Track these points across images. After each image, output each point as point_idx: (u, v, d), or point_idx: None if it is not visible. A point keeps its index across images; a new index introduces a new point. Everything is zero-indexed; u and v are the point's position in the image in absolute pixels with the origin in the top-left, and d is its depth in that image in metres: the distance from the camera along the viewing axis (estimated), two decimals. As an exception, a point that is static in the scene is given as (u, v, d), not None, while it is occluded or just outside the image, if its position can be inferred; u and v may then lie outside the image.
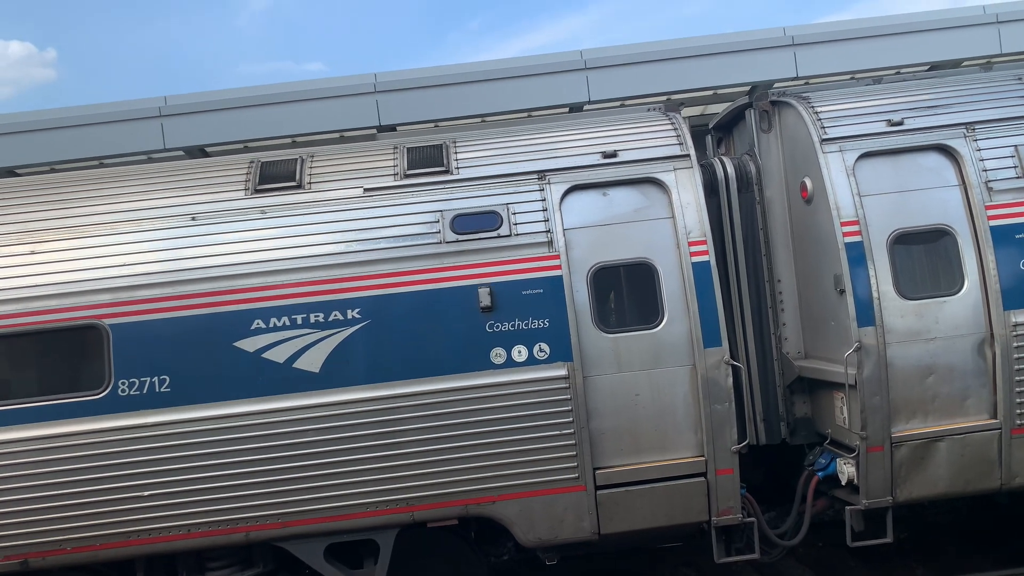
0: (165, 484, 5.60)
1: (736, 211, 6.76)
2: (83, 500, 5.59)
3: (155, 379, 5.67)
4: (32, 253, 5.87)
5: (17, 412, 5.65)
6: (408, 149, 6.46)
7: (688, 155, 6.20)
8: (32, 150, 10.30)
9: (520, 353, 5.85)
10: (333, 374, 5.75)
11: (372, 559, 5.96)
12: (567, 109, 9.66)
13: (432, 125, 9.66)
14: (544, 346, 5.83)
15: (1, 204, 6.24)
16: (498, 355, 5.84)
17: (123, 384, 5.66)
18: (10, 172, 9.85)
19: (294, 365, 5.73)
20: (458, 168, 6.28)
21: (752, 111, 6.94)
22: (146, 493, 5.60)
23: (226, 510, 5.64)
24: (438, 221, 6.02)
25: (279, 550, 5.88)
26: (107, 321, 5.71)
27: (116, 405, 5.65)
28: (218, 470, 5.63)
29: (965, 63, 9.80)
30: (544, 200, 6.07)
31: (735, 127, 7.50)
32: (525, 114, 9.44)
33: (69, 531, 5.60)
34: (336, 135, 9.61)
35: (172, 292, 5.74)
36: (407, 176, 6.22)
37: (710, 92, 9.99)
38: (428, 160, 6.34)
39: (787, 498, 6.72)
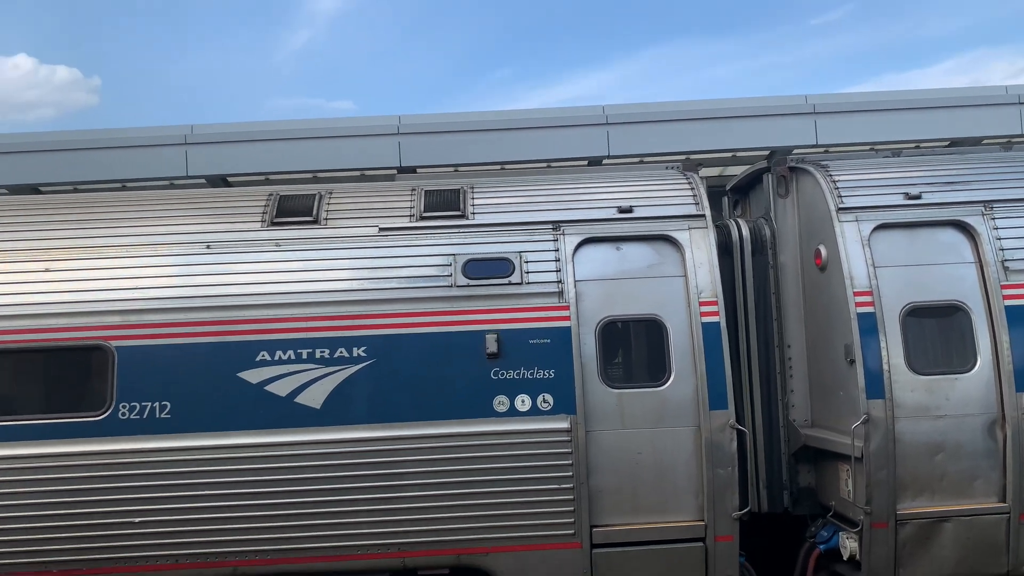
0: (157, 512, 5.55)
1: (749, 273, 6.74)
2: (74, 522, 5.54)
3: (156, 404, 5.65)
4: (46, 271, 5.92)
5: (19, 429, 5.64)
6: (426, 192, 6.52)
7: (703, 215, 6.22)
8: (57, 169, 10.44)
9: (523, 402, 5.80)
10: (334, 411, 5.72)
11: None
12: (586, 162, 9.74)
13: (452, 169, 9.74)
14: (548, 397, 5.78)
15: (20, 221, 6.31)
16: (501, 403, 5.80)
17: (124, 407, 5.65)
18: (34, 189, 9.97)
19: (296, 400, 5.70)
20: (474, 213, 6.32)
21: (770, 175, 6.97)
22: (137, 520, 5.54)
23: (217, 542, 5.57)
24: (450, 265, 6.04)
25: (267, 588, 5.78)
26: (114, 343, 5.72)
27: (115, 428, 5.62)
28: (212, 500, 5.57)
29: (985, 141, 9.83)
30: (557, 251, 6.08)
31: (752, 190, 7.53)
32: (544, 164, 9.51)
33: (58, 552, 5.53)
34: (357, 173, 9.69)
35: (181, 318, 5.76)
36: (423, 218, 6.27)
37: (729, 154, 10.04)
38: (445, 204, 6.39)
39: (787, 569, 6.57)
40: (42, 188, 9.99)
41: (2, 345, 5.71)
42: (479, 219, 6.28)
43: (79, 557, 5.53)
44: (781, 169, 6.90)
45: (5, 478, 5.56)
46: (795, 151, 9.20)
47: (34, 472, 5.57)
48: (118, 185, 9.87)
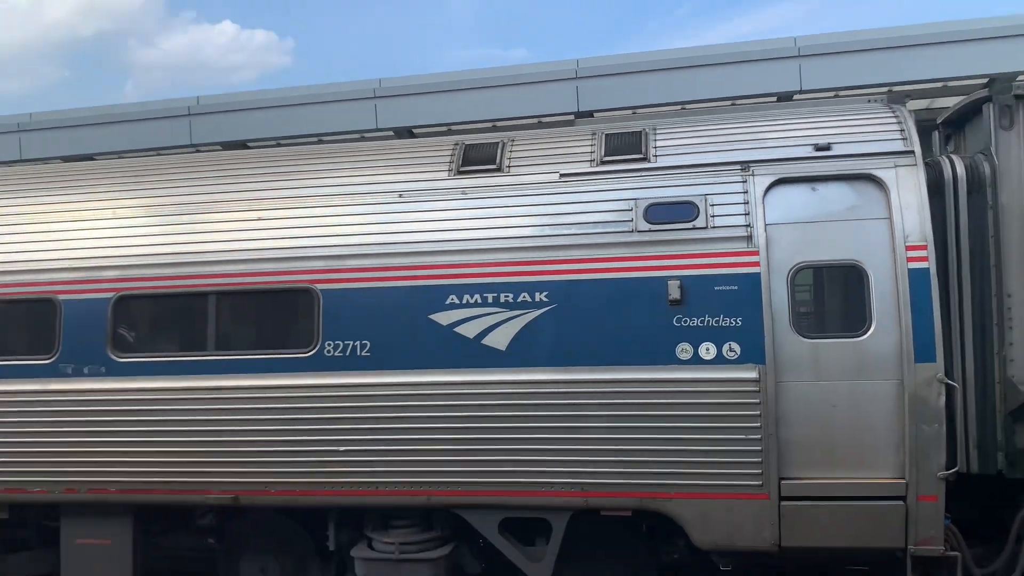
0: (360, 442, 5.98)
1: (964, 215, 6.11)
2: (286, 448, 6.07)
3: (357, 343, 6.05)
4: (259, 220, 6.44)
5: (236, 363, 6.24)
6: (607, 136, 6.42)
7: (912, 151, 5.69)
8: (261, 126, 11.32)
9: (708, 351, 5.66)
10: (518, 353, 5.86)
11: (544, 539, 6.05)
12: (775, 98, 9.20)
13: (631, 112, 9.55)
14: (735, 346, 5.60)
15: (234, 174, 6.87)
16: (684, 350, 5.69)
17: (329, 345, 6.09)
18: (242, 145, 10.88)
19: (483, 341, 5.89)
20: (656, 156, 6.15)
21: (991, 105, 6.23)
22: (342, 448, 6.00)
23: (411, 472, 5.93)
24: (631, 210, 5.95)
25: (457, 517, 6.10)
26: (319, 286, 6.15)
27: (322, 364, 6.08)
28: (407, 434, 5.93)
29: None
30: (746, 193, 5.81)
31: (968, 123, 6.78)
32: (728, 102, 9.09)
33: (273, 475, 6.11)
34: (535, 120, 9.76)
35: (378, 263, 6.09)
36: (603, 163, 6.19)
37: (939, 84, 9.11)
38: (626, 147, 6.27)
39: (998, 535, 6.06)
40: (249, 144, 10.88)
41: (223, 287, 6.31)
42: (662, 161, 6.11)
43: (294, 480, 6.08)
44: (1005, 98, 6.15)
45: (224, 406, 6.18)
46: (1020, 77, 8.18)
47: (252, 401, 6.14)
48: (315, 139, 10.57)
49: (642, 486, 5.70)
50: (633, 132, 6.41)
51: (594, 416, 5.75)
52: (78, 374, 6.37)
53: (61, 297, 6.44)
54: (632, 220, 5.90)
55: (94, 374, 6.35)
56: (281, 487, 6.11)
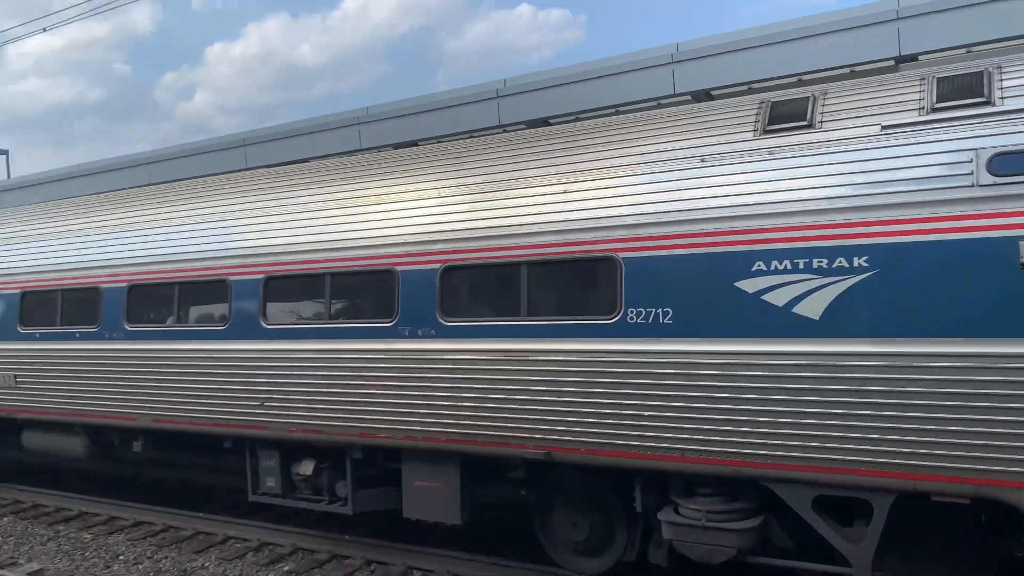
0: (663, 408, 6.04)
1: None
2: (591, 410, 6.31)
3: (660, 310, 6.10)
4: (564, 192, 6.72)
5: (545, 328, 6.60)
6: (938, 80, 5.72)
7: None
8: (560, 102, 11.76)
9: (1072, 322, 4.84)
10: (833, 323, 5.50)
11: (863, 521, 5.66)
12: None
13: (964, 51, 8.39)
14: (1113, 317, 4.72)
15: (539, 150, 7.23)
16: (1039, 321, 4.92)
17: (632, 312, 6.21)
18: (544, 122, 11.40)
19: (793, 310, 5.62)
20: (1003, 98, 5.35)
21: None
22: (646, 413, 6.11)
23: (717, 441, 5.87)
24: (971, 161, 5.25)
25: (766, 491, 5.93)
26: (621, 255, 6.29)
27: (625, 331, 6.22)
28: (712, 402, 5.87)
29: None
30: None
31: None
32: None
33: (581, 435, 6.39)
34: (846, 70, 8.97)
35: (679, 231, 6.06)
36: (935, 110, 5.53)
37: None
38: (964, 91, 5.53)
39: None
40: (550, 120, 11.37)
41: (533, 257, 6.70)
42: (1010, 104, 5.30)
43: (599, 440, 6.31)
44: None
45: (535, 368, 6.56)
46: None
47: (559, 364, 6.46)
48: (611, 111, 10.74)
49: (982, 472, 5.07)
50: (973, 73, 5.64)
51: (923, 392, 5.22)
52: (413, 336, 7.21)
53: (399, 268, 7.31)
54: (972, 173, 5.22)
55: (426, 336, 7.14)
56: (589, 446, 6.39)
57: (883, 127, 5.64)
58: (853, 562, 5.69)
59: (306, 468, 8.16)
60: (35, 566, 8.49)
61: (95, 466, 11.29)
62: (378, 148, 12.99)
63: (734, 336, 5.80)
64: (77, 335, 9.59)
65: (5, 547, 9.35)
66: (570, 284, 6.79)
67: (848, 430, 5.44)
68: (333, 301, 7.83)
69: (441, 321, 7.07)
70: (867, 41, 8.73)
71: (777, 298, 5.68)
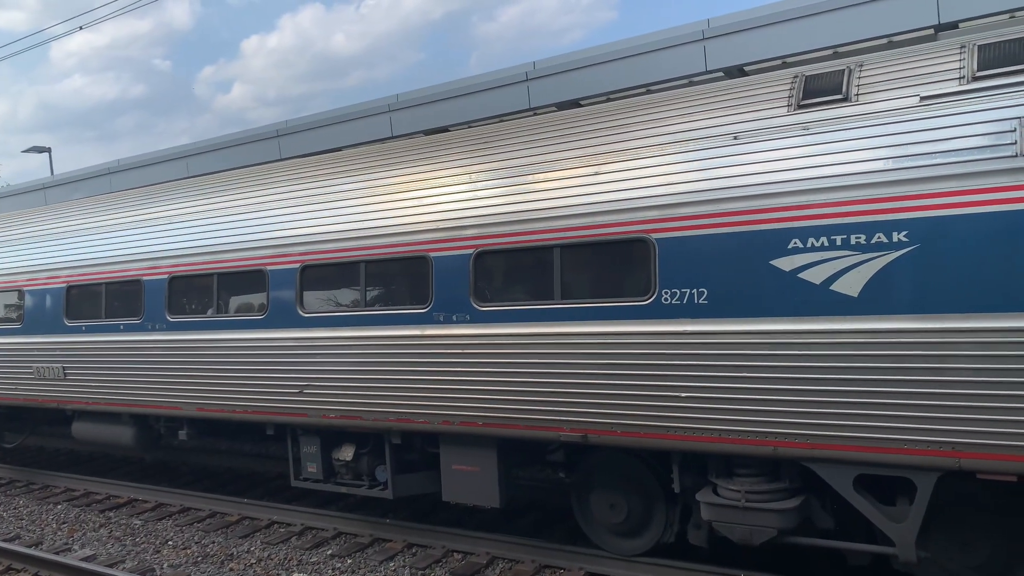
0: (700, 389, 6.01)
1: None
2: (628, 392, 6.31)
3: (694, 291, 6.04)
4: (596, 174, 6.68)
5: (579, 311, 6.59)
6: (979, 47, 5.56)
7: None
8: (591, 83, 11.65)
9: (1123, 293, 4.69)
10: (873, 300, 5.40)
11: (907, 500, 5.58)
12: None
13: (1007, 16, 8.12)
14: None
15: (570, 133, 7.18)
16: (1089, 293, 4.78)
17: (666, 293, 6.17)
18: (575, 104, 11.30)
19: (831, 287, 5.53)
20: (1049, 65, 5.18)
21: None
22: (683, 395, 6.08)
23: (755, 422, 5.82)
24: (1015, 131, 5.09)
25: (807, 471, 5.87)
26: (654, 236, 6.24)
27: (659, 312, 6.19)
28: (749, 383, 5.81)
29: None
30: None
31: None
32: None
33: (617, 417, 6.40)
34: (884, 41, 8.75)
35: (713, 210, 5.98)
36: (976, 78, 5.37)
37: None
38: (1007, 58, 5.36)
39: None
40: (581, 102, 11.27)
41: (566, 240, 6.68)
42: (1056, 70, 5.13)
43: (637, 423, 6.31)
44: None
45: (570, 351, 6.55)
46: None
47: (594, 347, 6.45)
48: (642, 90, 10.61)
49: (1031, 450, 4.96)
50: (1016, 39, 5.46)
51: (967, 369, 5.12)
52: (448, 321, 7.25)
53: (432, 255, 7.34)
54: (1016, 143, 5.06)
55: (460, 321, 7.17)
56: (626, 428, 6.38)
57: (921, 98, 5.50)
58: (897, 541, 5.61)
59: (346, 454, 8.28)
60: (88, 551, 8.76)
61: (143, 454, 11.59)
62: (409, 135, 13.01)
63: (771, 315, 5.73)
64: (121, 327, 9.82)
65: (59, 533, 9.66)
66: (603, 266, 6.75)
67: (890, 408, 5.35)
68: (368, 288, 7.90)
69: (475, 306, 7.09)
70: (904, 9, 8.48)
71: (815, 276, 5.59)
